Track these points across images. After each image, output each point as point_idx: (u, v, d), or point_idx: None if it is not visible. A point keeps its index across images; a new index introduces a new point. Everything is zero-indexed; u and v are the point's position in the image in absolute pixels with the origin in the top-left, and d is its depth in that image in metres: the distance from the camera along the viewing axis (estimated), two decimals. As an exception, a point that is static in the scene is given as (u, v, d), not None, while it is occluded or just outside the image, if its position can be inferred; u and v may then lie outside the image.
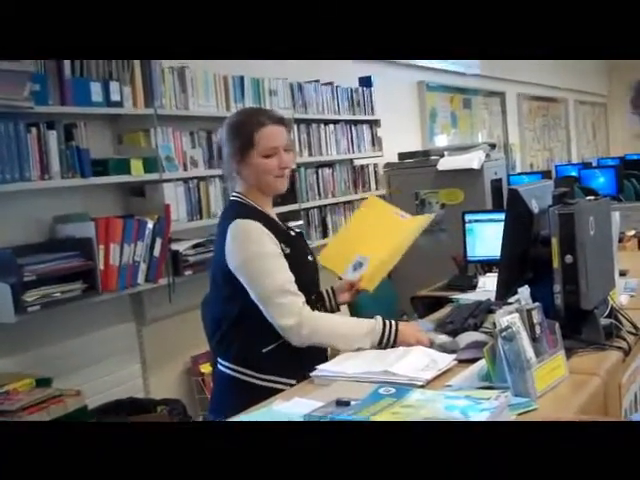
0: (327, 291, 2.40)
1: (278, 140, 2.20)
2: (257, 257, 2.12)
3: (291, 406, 1.75)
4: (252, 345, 2.15)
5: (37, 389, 2.79)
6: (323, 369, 2.02)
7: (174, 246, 3.53)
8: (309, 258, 2.30)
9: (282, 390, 2.03)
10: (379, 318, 2.17)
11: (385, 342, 2.14)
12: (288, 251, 2.17)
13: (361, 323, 2.17)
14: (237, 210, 2.24)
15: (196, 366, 3.84)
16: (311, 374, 2.01)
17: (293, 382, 2.09)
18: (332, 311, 2.35)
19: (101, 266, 3.12)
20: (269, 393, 1.96)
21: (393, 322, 2.17)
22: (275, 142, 2.19)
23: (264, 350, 2.15)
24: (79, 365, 3.27)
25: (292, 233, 2.28)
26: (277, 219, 2.28)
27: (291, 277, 2.13)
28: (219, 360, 2.26)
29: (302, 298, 2.13)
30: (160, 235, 3.39)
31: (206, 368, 3.73)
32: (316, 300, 2.30)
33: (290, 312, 2.09)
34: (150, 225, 3.35)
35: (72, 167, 3.08)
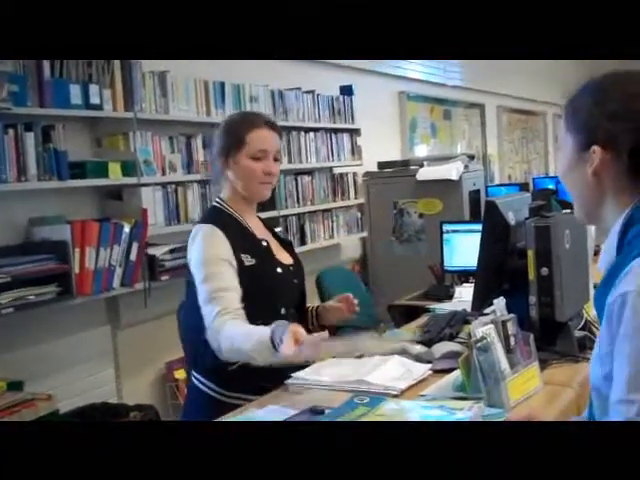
0: (310, 310, 2.31)
1: (269, 144, 2.16)
2: (204, 260, 2.07)
3: (265, 414, 1.75)
4: (221, 360, 2.03)
5: (8, 393, 2.76)
6: (298, 376, 2.01)
7: (151, 251, 3.50)
8: (278, 270, 2.17)
9: None
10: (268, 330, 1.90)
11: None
12: (253, 262, 2.10)
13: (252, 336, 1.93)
14: (207, 215, 2.25)
15: (170, 372, 3.81)
16: (286, 381, 2.00)
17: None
18: (314, 330, 2.17)
19: (76, 269, 3.09)
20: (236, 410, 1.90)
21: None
22: (265, 145, 2.15)
23: (233, 367, 2.05)
24: (52, 369, 3.23)
25: (264, 244, 2.18)
26: (252, 228, 2.20)
27: (229, 286, 2.03)
28: (192, 370, 2.21)
29: (224, 310, 1.98)
30: (137, 239, 3.37)
31: (180, 374, 3.71)
32: (298, 314, 2.21)
33: (207, 322, 2.01)
34: (127, 229, 3.32)
35: (49, 169, 3.04)
